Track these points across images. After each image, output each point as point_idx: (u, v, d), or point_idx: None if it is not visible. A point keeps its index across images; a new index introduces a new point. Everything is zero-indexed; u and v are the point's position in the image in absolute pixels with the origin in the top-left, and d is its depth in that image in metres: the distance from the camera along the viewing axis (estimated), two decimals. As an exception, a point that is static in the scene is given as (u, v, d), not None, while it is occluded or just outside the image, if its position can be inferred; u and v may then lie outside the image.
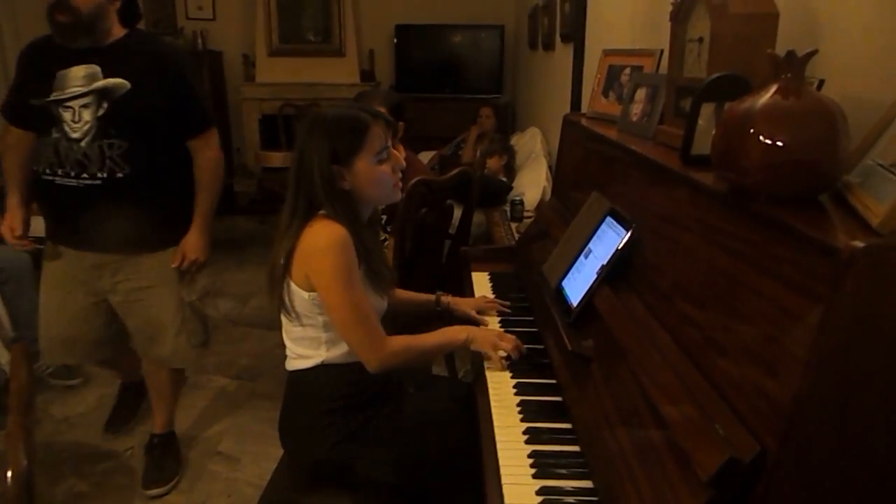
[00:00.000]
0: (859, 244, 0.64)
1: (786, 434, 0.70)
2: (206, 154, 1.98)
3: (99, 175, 1.80)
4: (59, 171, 1.81)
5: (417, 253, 2.24)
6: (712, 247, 0.96)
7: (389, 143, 1.38)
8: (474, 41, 5.69)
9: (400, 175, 1.41)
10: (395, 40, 5.67)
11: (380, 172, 1.36)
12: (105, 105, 1.77)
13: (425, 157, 4.49)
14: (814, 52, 0.83)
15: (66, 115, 1.78)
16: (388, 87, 5.59)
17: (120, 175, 1.81)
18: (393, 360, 1.36)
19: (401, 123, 2.21)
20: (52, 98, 1.78)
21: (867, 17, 1.04)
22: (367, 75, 5.66)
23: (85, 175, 1.80)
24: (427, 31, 5.66)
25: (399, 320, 2.01)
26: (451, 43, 5.73)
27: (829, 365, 0.67)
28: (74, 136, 1.78)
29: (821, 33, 1.14)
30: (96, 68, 1.78)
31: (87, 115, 1.77)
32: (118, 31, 1.84)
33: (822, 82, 1.00)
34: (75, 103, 1.77)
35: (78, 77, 1.77)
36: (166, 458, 2.19)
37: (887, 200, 0.73)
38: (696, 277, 1.00)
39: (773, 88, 0.84)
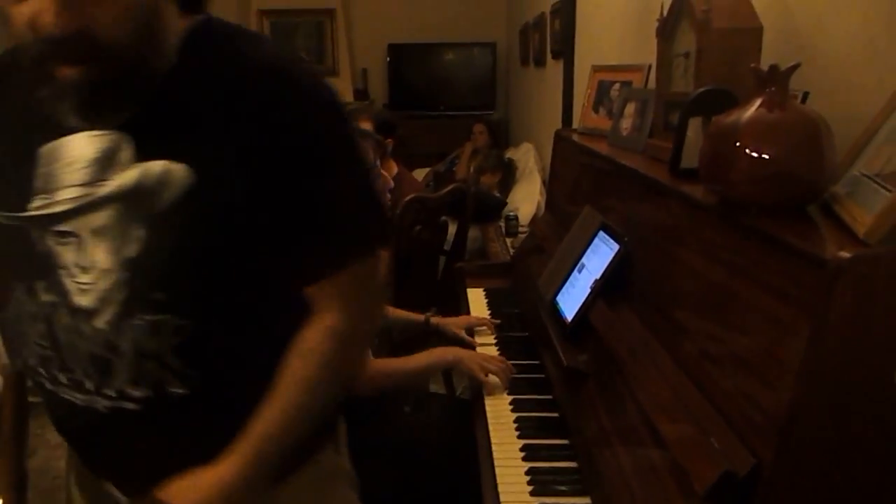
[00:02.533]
0: (846, 254, 0.64)
1: (780, 446, 0.70)
2: (339, 319, 0.84)
3: (136, 393, 0.79)
4: (61, 377, 0.82)
5: (412, 269, 2.24)
6: (704, 259, 0.97)
7: (378, 163, 1.39)
8: (466, 59, 5.74)
9: (388, 196, 1.42)
10: (388, 59, 5.71)
11: None
12: (141, 229, 0.76)
13: (420, 173, 4.51)
14: (796, 66, 0.85)
15: (67, 254, 0.78)
16: (381, 106, 5.62)
17: (179, 391, 0.79)
18: (374, 384, 1.33)
19: (389, 140, 2.23)
20: (32, 212, 0.78)
21: (850, 30, 1.06)
22: (361, 94, 5.70)
23: (109, 391, 0.80)
24: (420, 49, 5.71)
25: (395, 336, 2.00)
26: (444, 61, 5.78)
27: (821, 375, 0.67)
28: (82, 302, 0.78)
29: (805, 46, 1.15)
30: (119, 139, 0.76)
31: (101, 256, 0.77)
32: (175, 31, 0.77)
33: (806, 94, 1.01)
34: (80, 225, 0.77)
35: (81, 160, 0.77)
36: None
37: (873, 210, 0.73)
38: (689, 290, 1.00)
39: (758, 102, 0.85)
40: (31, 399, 2.61)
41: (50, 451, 2.42)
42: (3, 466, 0.86)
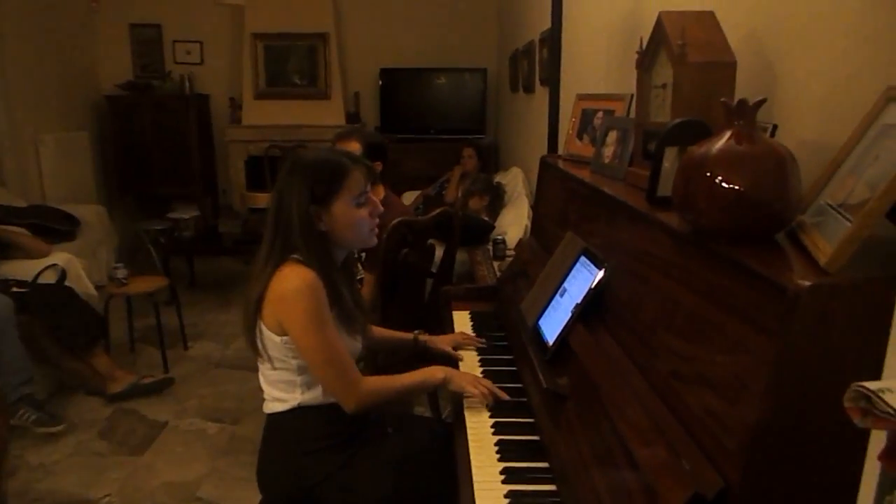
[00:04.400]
0: (805, 283, 0.67)
1: (746, 467, 0.72)
2: None
3: None
4: None
5: (399, 292, 2.26)
6: (678, 284, 0.99)
7: (368, 189, 1.41)
8: (458, 84, 5.83)
9: (377, 221, 1.44)
10: (381, 83, 5.79)
11: (358, 216, 1.38)
12: None
13: (410, 196, 4.55)
14: (763, 101, 0.88)
15: None
16: (373, 129, 5.68)
17: None
18: (369, 400, 1.36)
19: (377, 163, 2.25)
20: None
21: (819, 67, 1.10)
22: (353, 117, 5.76)
23: None
24: (412, 74, 5.79)
25: (379, 360, 2.01)
26: (436, 85, 5.86)
27: (782, 399, 0.70)
28: None
29: (776, 81, 1.20)
30: None
31: None
32: None
33: (775, 127, 1.05)
34: None
35: None
36: None
37: (834, 240, 0.76)
38: (664, 315, 1.02)
39: (728, 134, 0.89)
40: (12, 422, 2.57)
41: (30, 472, 2.39)
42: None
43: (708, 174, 0.87)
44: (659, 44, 1.32)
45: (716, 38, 1.24)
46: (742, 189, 0.84)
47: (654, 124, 1.35)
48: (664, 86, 1.31)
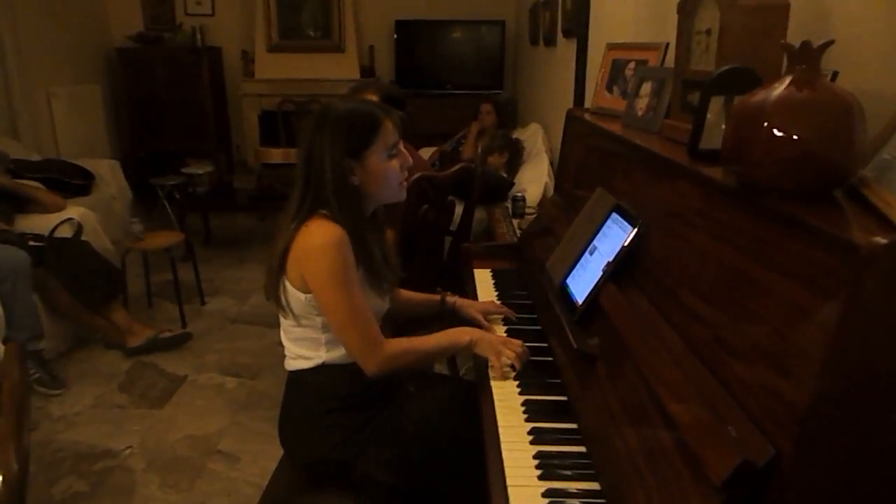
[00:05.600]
0: (881, 241, 0.61)
1: (801, 437, 0.68)
2: None
3: None
4: None
5: (418, 249, 2.22)
6: (722, 243, 0.94)
7: (399, 140, 1.36)
8: (475, 37, 5.66)
9: (406, 174, 1.39)
10: (396, 36, 5.63)
11: (389, 168, 1.33)
12: None
13: (426, 153, 4.47)
14: (830, 43, 0.81)
15: None
16: (388, 83, 5.55)
17: None
18: (391, 364, 1.33)
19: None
20: None
21: (879, 8, 1.02)
22: (367, 71, 5.63)
23: None
24: (427, 26, 5.62)
25: (400, 320, 1.98)
26: (452, 38, 5.69)
27: (846, 365, 0.65)
28: None
29: (832, 24, 1.11)
30: None
31: None
32: None
33: (835, 74, 0.97)
34: None
35: None
36: None
37: (907, 195, 0.70)
38: (705, 275, 0.97)
39: (788, 80, 0.82)
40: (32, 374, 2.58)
41: (52, 424, 2.42)
42: (5, 440, 0.84)
43: (765, 124, 0.80)
44: (704, -15, 1.23)
45: (767, -22, 1.15)
46: (804, 140, 0.77)
47: (696, 73, 1.28)
48: (708, 31, 1.23)
